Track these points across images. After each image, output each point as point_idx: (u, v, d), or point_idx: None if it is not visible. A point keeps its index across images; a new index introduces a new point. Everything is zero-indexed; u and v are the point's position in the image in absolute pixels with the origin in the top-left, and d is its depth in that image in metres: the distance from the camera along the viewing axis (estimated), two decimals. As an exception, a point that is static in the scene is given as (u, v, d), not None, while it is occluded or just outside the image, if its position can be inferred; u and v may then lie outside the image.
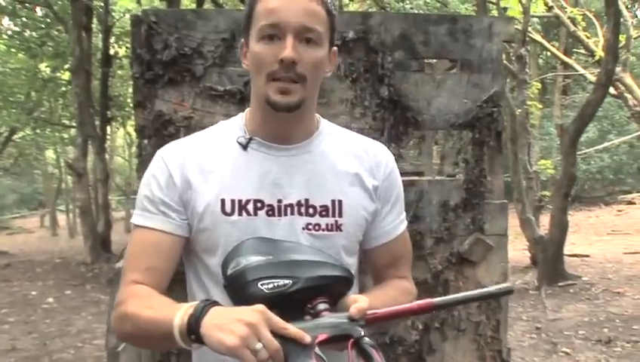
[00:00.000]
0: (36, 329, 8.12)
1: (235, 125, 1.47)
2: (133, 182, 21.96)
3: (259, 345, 1.07)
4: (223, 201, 1.37)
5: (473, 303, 2.86)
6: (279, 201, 1.39)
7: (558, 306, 8.35)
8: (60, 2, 14.46)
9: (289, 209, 1.39)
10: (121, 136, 26.54)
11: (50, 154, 27.41)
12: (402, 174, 1.64)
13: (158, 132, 2.70)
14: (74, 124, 15.89)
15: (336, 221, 1.42)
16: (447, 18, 3.02)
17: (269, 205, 1.39)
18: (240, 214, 1.37)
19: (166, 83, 2.70)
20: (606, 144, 18.76)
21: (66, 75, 16.52)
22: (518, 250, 11.97)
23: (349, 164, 1.46)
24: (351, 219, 1.44)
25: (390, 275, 1.57)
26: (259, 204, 1.38)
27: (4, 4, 16.01)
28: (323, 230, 1.41)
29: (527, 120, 9.90)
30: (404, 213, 1.60)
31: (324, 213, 1.41)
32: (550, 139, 21.57)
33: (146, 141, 2.78)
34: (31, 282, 12.00)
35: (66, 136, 20.24)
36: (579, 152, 11.00)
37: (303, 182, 1.41)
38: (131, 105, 15.38)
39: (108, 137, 15.72)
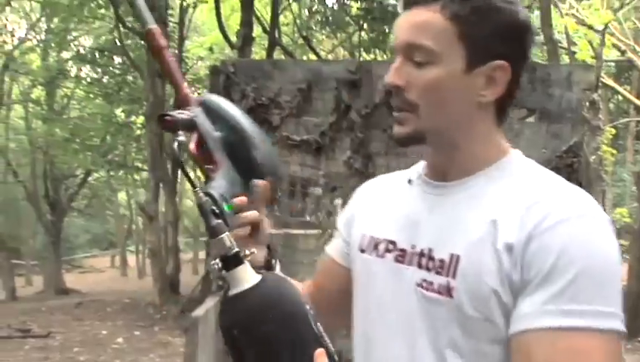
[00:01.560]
0: (106, 369, 8.26)
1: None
2: (201, 225, 22.36)
3: None
4: (363, 236, 1.27)
5: None
6: (412, 247, 1.16)
7: (639, 362, 7.96)
8: (136, 50, 15.04)
9: (416, 258, 1.14)
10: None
11: (122, 196, 28.22)
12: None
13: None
14: (146, 168, 16.34)
15: (448, 282, 1.07)
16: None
17: (400, 249, 1.18)
18: (370, 253, 1.24)
19: (245, 133, 2.75)
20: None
21: (141, 120, 17.09)
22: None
23: (495, 212, 1.05)
24: (467, 285, 1.04)
25: None
26: (390, 246, 1.20)
27: (84, 52, 16.80)
28: (434, 291, 1.10)
29: (602, 167, 9.64)
30: (580, 305, 0.95)
31: (440, 269, 1.10)
32: (624, 186, 20.89)
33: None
34: (101, 321, 12.25)
35: (137, 178, 20.85)
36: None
37: (435, 228, 1.13)
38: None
39: (178, 180, 16.10)
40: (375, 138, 3.03)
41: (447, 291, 1.07)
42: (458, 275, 1.06)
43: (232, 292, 0.91)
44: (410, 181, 1.23)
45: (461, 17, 1.05)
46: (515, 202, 1.04)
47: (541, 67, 3.00)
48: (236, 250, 0.91)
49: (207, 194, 0.99)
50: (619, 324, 0.96)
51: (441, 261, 1.09)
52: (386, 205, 1.25)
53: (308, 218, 3.00)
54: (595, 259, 0.96)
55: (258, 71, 2.94)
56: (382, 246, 1.20)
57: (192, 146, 1.10)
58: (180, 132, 1.06)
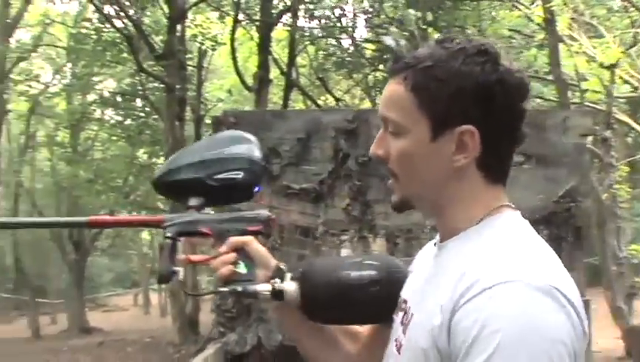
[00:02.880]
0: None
1: None
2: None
3: None
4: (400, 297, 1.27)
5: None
6: (404, 302, 1.19)
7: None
8: (156, 93, 15.33)
9: (403, 316, 1.16)
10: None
11: (144, 235, 28.44)
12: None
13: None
14: (167, 209, 16.51)
15: (401, 340, 1.12)
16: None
17: (403, 301, 1.20)
18: (396, 313, 1.23)
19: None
20: None
21: (161, 161, 17.33)
22: (610, 337, 11.32)
23: (450, 275, 1.03)
24: (408, 342, 1.08)
25: None
26: (402, 304, 1.20)
27: (107, 96, 17.16)
28: (397, 346, 1.13)
29: (616, 203, 9.54)
30: None
31: (404, 326, 1.13)
32: (643, 222, 20.56)
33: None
34: (121, 362, 12.31)
35: (160, 218, 21.01)
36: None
37: (418, 288, 1.15)
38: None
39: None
40: (373, 185, 3.10)
41: (399, 348, 1.12)
42: (407, 333, 1.10)
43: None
44: (435, 243, 1.21)
45: (421, 87, 1.06)
46: (461, 265, 1.02)
47: (535, 113, 3.06)
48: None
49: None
50: None
51: (407, 317, 1.13)
52: (417, 267, 1.27)
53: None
54: (518, 330, 0.89)
55: (259, 121, 3.04)
56: (399, 306, 1.21)
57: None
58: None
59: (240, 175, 1.34)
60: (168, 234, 1.31)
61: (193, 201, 1.35)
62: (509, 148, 1.12)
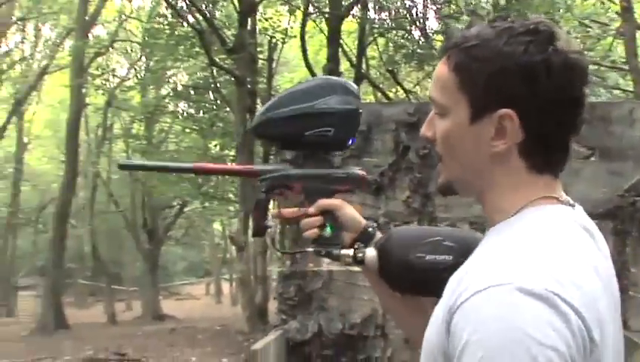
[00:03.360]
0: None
1: None
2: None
3: None
4: None
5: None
6: None
7: None
8: (228, 86, 15.63)
9: None
10: (279, 209, 27.60)
11: (216, 226, 29.06)
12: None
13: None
14: (237, 200, 16.85)
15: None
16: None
17: None
18: None
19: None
20: None
21: (232, 153, 17.67)
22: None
23: (455, 280, 0.98)
24: (425, 336, 1.03)
25: None
26: None
27: (180, 89, 17.61)
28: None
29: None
30: None
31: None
32: None
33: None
34: (192, 348, 12.66)
35: (231, 209, 21.48)
36: None
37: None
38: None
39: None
40: (433, 177, 3.11)
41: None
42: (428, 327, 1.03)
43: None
44: None
45: (462, 67, 1.02)
46: (470, 262, 0.99)
47: (601, 105, 3.00)
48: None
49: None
50: None
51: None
52: None
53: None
54: (502, 335, 0.84)
55: (321, 114, 3.08)
56: None
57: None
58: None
59: (331, 131, 1.31)
60: (263, 189, 1.33)
61: (287, 154, 1.40)
62: (560, 136, 1.02)
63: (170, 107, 19.28)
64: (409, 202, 3.12)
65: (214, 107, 17.33)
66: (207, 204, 20.72)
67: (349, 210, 1.33)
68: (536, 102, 0.98)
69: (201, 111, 17.69)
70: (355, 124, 1.35)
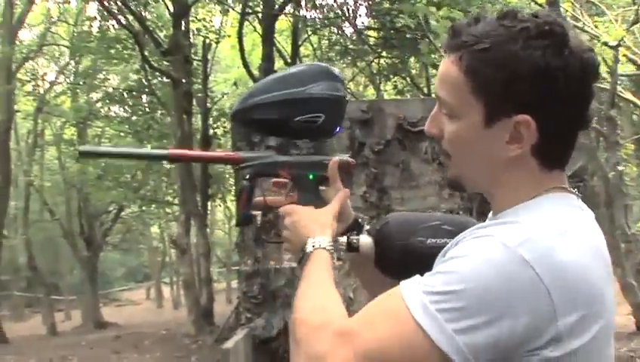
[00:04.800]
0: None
1: None
2: (233, 255, 22.68)
3: None
4: None
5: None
6: None
7: (671, 375, 7.91)
8: (162, 88, 15.46)
9: None
10: (221, 210, 27.49)
11: (155, 229, 28.65)
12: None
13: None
14: (177, 202, 16.68)
15: None
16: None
17: None
18: None
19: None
20: None
21: (170, 155, 17.44)
22: (621, 314, 11.43)
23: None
24: None
25: None
26: None
27: (112, 93, 17.30)
28: None
29: (622, 181, 9.64)
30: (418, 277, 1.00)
31: None
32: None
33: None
34: (139, 354, 12.50)
35: (169, 211, 21.22)
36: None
37: None
38: (230, 181, 16.06)
39: (209, 212, 16.42)
40: (388, 172, 3.22)
41: None
42: None
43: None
44: None
45: (476, 71, 1.00)
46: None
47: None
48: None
49: None
50: (419, 312, 0.92)
51: None
52: None
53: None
54: (468, 272, 0.91)
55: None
56: None
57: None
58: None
59: (321, 117, 1.28)
60: (247, 177, 1.29)
61: (272, 141, 1.38)
62: (572, 134, 1.05)
63: (104, 111, 18.90)
64: (366, 197, 3.23)
65: (149, 110, 17.09)
66: (144, 208, 20.42)
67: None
68: (553, 106, 0.99)
69: (136, 115, 17.42)
70: (343, 112, 1.34)
